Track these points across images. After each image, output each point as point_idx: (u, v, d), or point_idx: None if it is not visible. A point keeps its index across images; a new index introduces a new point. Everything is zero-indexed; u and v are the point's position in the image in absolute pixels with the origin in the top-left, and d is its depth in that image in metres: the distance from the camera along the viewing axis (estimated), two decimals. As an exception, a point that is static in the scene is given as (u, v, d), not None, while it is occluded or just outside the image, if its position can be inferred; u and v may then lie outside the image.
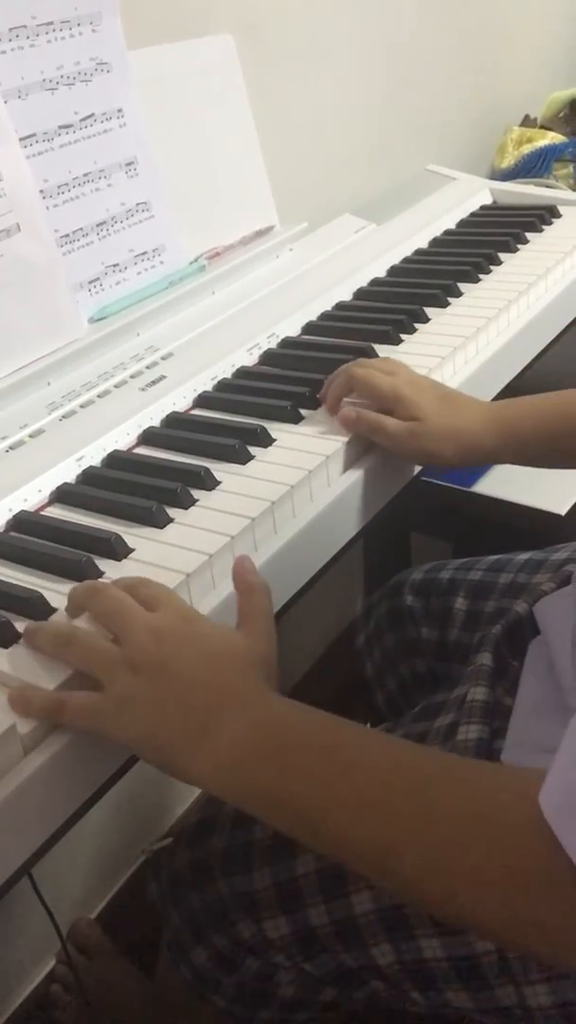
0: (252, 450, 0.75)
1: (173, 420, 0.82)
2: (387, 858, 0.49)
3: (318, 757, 0.52)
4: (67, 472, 0.74)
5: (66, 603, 0.59)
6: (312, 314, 0.99)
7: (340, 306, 1.02)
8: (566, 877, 0.43)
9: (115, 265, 0.92)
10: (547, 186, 1.46)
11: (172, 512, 0.68)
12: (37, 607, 0.60)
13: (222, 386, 0.87)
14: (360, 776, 0.51)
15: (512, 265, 1.08)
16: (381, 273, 1.09)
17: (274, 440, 0.77)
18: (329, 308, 1.01)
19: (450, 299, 1.00)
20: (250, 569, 0.61)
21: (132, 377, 0.86)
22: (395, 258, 1.12)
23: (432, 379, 0.83)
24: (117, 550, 0.64)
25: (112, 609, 0.56)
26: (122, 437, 0.79)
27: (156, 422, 0.81)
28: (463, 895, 0.47)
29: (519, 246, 1.12)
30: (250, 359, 0.91)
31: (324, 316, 1.00)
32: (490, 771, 0.53)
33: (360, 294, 1.05)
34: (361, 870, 0.54)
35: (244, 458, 0.74)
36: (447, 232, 1.20)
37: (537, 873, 0.44)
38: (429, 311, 0.97)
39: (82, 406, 0.82)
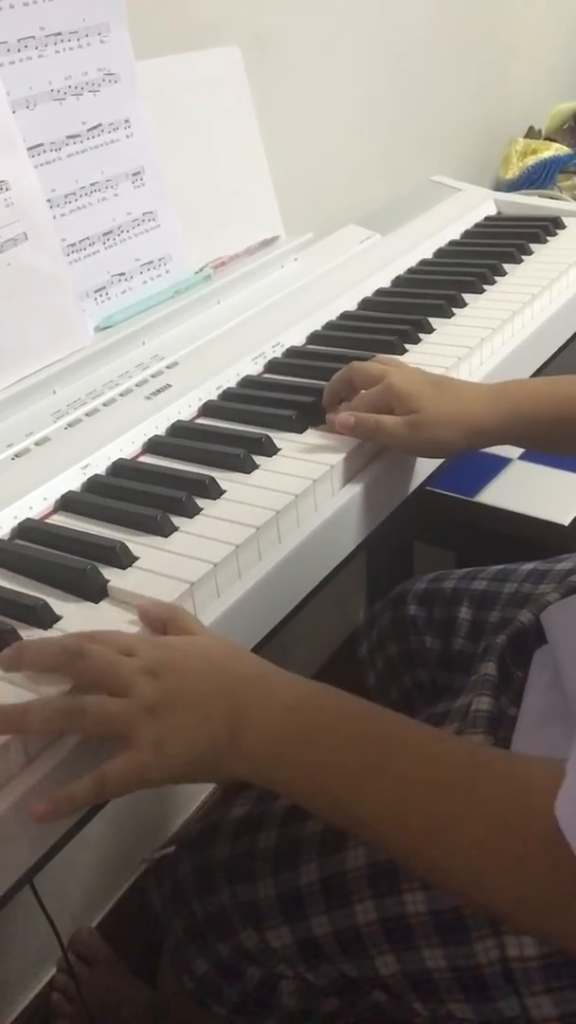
0: (257, 459, 0.76)
1: (178, 429, 0.82)
2: (435, 845, 0.50)
3: (354, 738, 0.53)
4: (72, 480, 0.75)
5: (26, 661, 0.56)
6: (317, 324, 0.99)
7: (345, 316, 1.02)
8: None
9: (121, 274, 0.93)
10: (551, 197, 1.47)
11: (177, 521, 0.69)
12: (42, 616, 0.60)
13: (227, 395, 0.87)
14: (401, 761, 0.52)
15: (517, 276, 1.08)
16: (386, 283, 1.09)
17: (279, 449, 0.77)
18: (334, 318, 1.01)
19: (455, 310, 1.00)
20: (152, 604, 0.60)
21: (137, 386, 0.86)
22: (400, 268, 1.12)
23: (423, 370, 0.81)
24: (122, 558, 0.65)
25: (101, 668, 0.54)
26: (127, 445, 0.79)
27: (161, 431, 0.82)
28: (498, 896, 0.49)
29: (524, 257, 1.13)
30: (255, 368, 0.91)
31: (329, 326, 1.00)
32: (521, 763, 0.53)
33: (365, 304, 1.05)
34: (402, 860, 0.56)
35: (249, 467, 0.75)
36: (452, 243, 1.20)
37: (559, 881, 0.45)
38: (434, 321, 0.97)
39: (88, 414, 0.82)
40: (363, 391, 0.78)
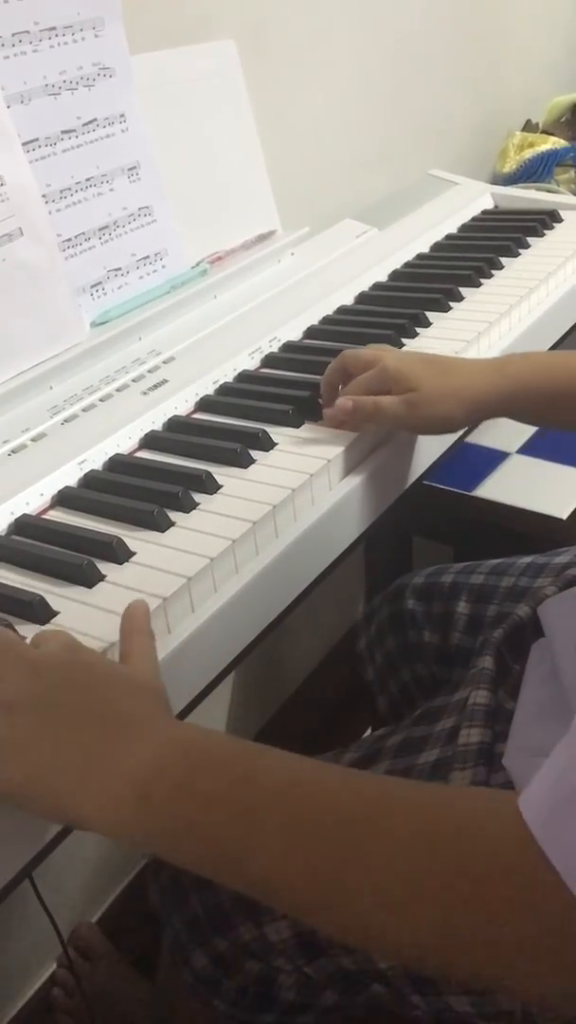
0: (254, 454, 0.76)
1: (175, 424, 0.82)
2: (330, 895, 0.43)
3: (239, 785, 0.46)
4: (69, 476, 0.75)
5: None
6: (314, 318, 0.99)
7: (342, 310, 1.02)
8: (549, 890, 0.38)
9: (117, 269, 0.93)
10: (548, 191, 1.47)
11: (174, 516, 0.69)
12: (38, 611, 0.60)
13: (224, 390, 0.87)
14: (293, 805, 0.45)
15: (514, 269, 1.08)
16: (383, 277, 1.09)
17: (275, 444, 0.77)
18: (331, 312, 1.01)
19: (452, 303, 1.00)
20: (140, 615, 0.56)
21: (134, 381, 0.86)
22: (397, 262, 1.12)
23: (417, 351, 0.81)
24: (119, 553, 0.64)
25: None
26: (124, 441, 0.79)
27: (158, 426, 0.82)
28: (427, 928, 0.42)
29: (521, 251, 1.12)
30: (252, 363, 0.91)
31: (326, 320, 1.00)
32: (446, 791, 0.49)
33: (362, 298, 1.05)
34: (298, 911, 0.47)
35: (246, 462, 0.75)
36: (449, 236, 1.20)
37: (517, 887, 0.40)
38: (431, 315, 0.97)
39: (84, 410, 0.82)
40: (358, 376, 0.78)
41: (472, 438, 0.97)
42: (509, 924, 0.40)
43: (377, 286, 1.07)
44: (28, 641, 0.55)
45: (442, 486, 1.18)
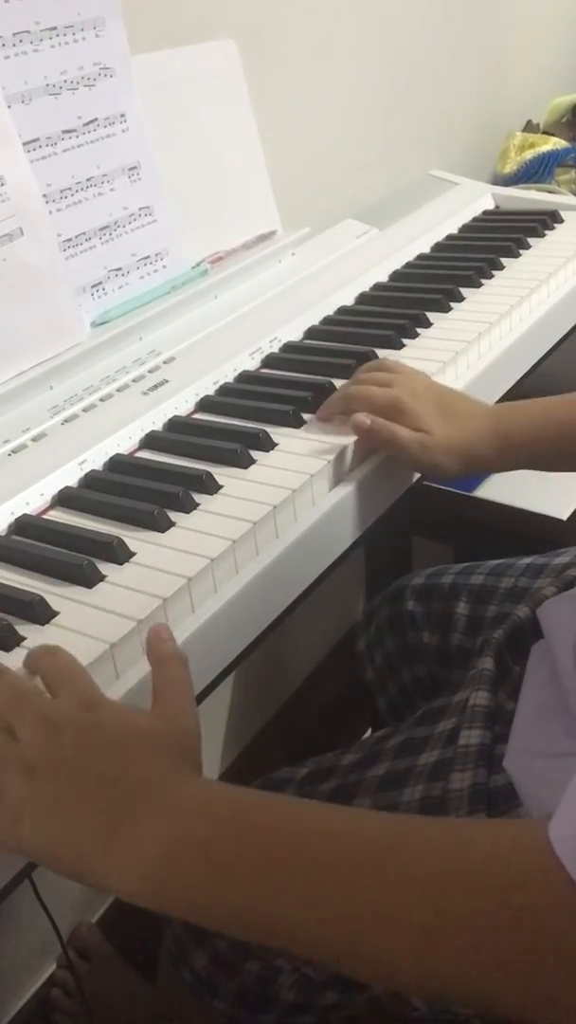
0: (254, 454, 0.75)
1: (175, 424, 0.82)
2: (363, 944, 0.43)
3: (256, 846, 0.46)
4: (69, 476, 0.75)
5: None
6: (314, 318, 0.99)
7: (342, 311, 1.02)
8: None
9: (118, 269, 0.93)
10: (549, 191, 1.47)
11: (174, 516, 0.69)
12: (38, 611, 0.60)
13: (224, 390, 0.87)
14: (314, 860, 0.45)
15: (515, 270, 1.08)
16: (383, 278, 1.09)
17: (276, 444, 0.77)
18: (331, 313, 1.01)
19: (453, 304, 1.00)
20: (165, 637, 0.55)
21: (134, 381, 0.86)
22: (398, 263, 1.12)
23: (428, 379, 0.82)
24: (119, 554, 0.64)
25: (7, 698, 0.51)
26: (124, 441, 0.79)
27: (158, 426, 0.82)
28: (452, 962, 0.42)
29: (521, 251, 1.12)
30: (252, 363, 0.91)
31: (326, 321, 1.00)
32: (467, 826, 0.49)
33: (362, 299, 1.05)
34: (331, 963, 0.48)
35: (246, 462, 0.75)
36: (450, 237, 1.20)
37: (549, 919, 0.40)
38: (432, 316, 0.97)
39: (84, 410, 0.82)
40: (371, 390, 0.78)
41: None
42: (538, 961, 0.40)
43: (378, 286, 1.07)
44: (39, 680, 0.53)
45: (442, 487, 1.18)
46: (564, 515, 1.12)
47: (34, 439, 0.78)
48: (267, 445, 0.77)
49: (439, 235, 1.19)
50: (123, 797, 0.48)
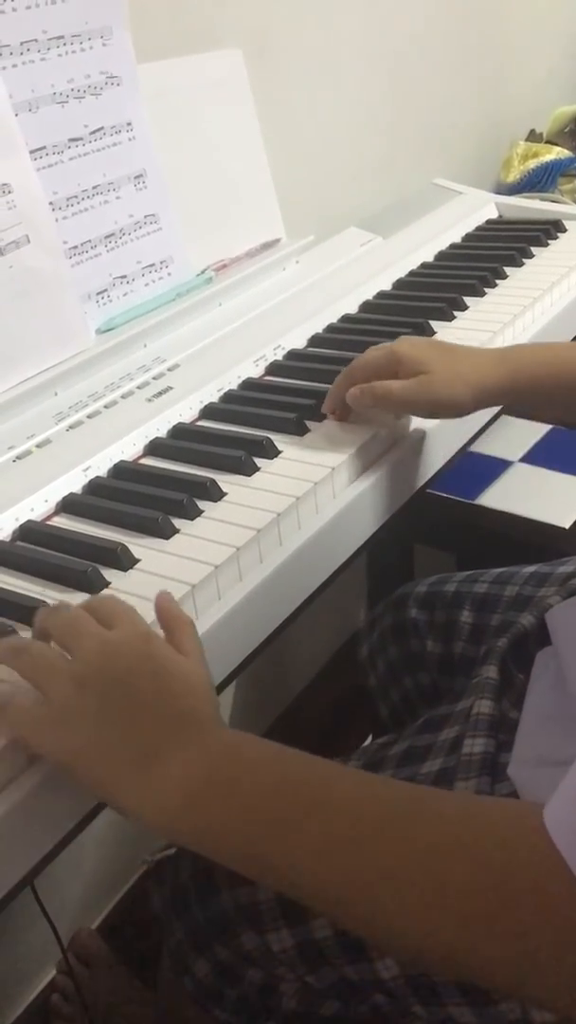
0: (258, 462, 0.76)
1: (179, 431, 0.82)
2: (363, 900, 0.46)
3: (280, 792, 0.49)
4: (74, 482, 0.75)
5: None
6: (318, 327, 0.99)
7: (346, 319, 1.02)
8: (569, 901, 0.40)
9: (123, 276, 0.93)
10: (552, 200, 1.47)
11: (178, 523, 0.69)
12: (43, 617, 0.60)
13: (228, 398, 0.87)
14: (327, 812, 0.47)
15: (518, 279, 1.08)
16: (387, 286, 1.09)
17: (280, 452, 0.77)
18: (335, 321, 1.01)
19: (456, 313, 1.00)
20: (174, 604, 0.58)
21: (139, 388, 0.86)
22: (401, 271, 1.12)
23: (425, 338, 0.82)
24: (123, 560, 0.65)
25: (65, 624, 0.54)
26: (128, 448, 0.79)
27: (162, 433, 0.82)
28: (449, 935, 0.43)
29: (525, 260, 1.13)
30: (256, 371, 0.92)
31: (330, 329, 1.00)
32: (475, 801, 0.51)
33: (366, 307, 1.05)
34: (339, 918, 0.51)
35: (250, 470, 0.75)
36: (453, 246, 1.20)
37: (541, 900, 0.41)
38: (435, 324, 0.97)
39: (89, 417, 0.82)
40: (367, 352, 0.78)
41: (475, 447, 0.98)
42: (532, 936, 0.42)
43: (381, 295, 1.08)
44: (100, 613, 0.56)
45: (445, 494, 1.19)
46: (566, 523, 1.12)
47: (39, 445, 0.78)
48: (271, 452, 0.77)
49: (443, 244, 1.20)
50: (162, 727, 0.51)
